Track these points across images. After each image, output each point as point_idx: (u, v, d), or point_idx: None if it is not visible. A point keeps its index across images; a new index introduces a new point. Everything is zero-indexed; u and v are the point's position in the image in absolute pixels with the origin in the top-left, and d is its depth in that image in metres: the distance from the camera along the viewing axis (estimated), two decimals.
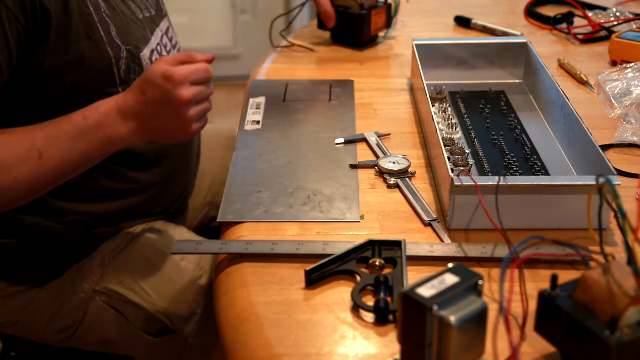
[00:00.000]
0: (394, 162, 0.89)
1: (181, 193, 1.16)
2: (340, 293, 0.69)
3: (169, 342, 1.02)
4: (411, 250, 0.73)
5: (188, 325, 1.01)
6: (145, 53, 1.01)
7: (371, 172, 0.90)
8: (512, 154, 0.92)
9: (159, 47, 1.05)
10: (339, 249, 0.72)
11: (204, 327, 1.01)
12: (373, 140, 0.97)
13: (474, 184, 0.74)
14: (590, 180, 0.75)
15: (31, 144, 0.84)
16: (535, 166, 0.89)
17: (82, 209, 1.01)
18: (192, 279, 1.02)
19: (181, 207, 1.17)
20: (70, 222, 1.01)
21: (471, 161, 0.90)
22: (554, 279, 0.57)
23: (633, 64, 1.14)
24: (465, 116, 1.03)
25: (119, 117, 0.86)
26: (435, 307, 0.52)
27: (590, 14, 1.39)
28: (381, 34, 1.35)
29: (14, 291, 1.03)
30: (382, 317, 0.65)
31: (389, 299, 0.66)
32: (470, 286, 0.55)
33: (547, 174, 0.88)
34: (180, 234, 1.09)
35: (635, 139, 0.95)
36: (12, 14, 0.83)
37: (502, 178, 0.74)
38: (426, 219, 0.79)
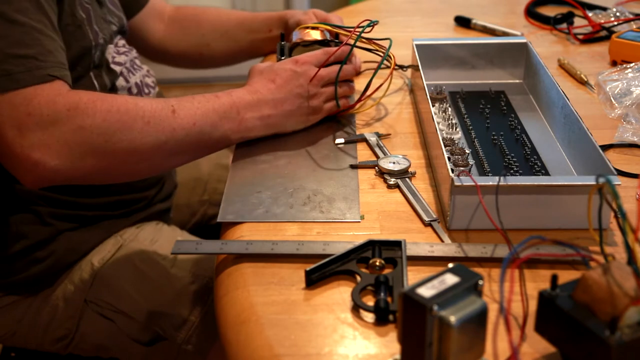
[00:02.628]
0: (394, 162, 0.89)
1: (163, 184, 1.15)
2: (340, 293, 0.69)
3: (163, 349, 1.02)
4: (411, 250, 0.73)
5: (181, 332, 1.00)
6: (110, 51, 1.04)
7: (371, 172, 0.90)
8: (512, 154, 0.92)
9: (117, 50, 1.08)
10: (339, 249, 0.72)
11: (198, 333, 1.01)
12: (373, 140, 0.97)
13: (474, 184, 0.74)
14: (590, 180, 0.75)
15: (164, 102, 0.85)
16: (535, 166, 0.89)
17: (64, 204, 1.01)
18: (183, 286, 1.01)
19: (166, 195, 1.16)
20: (54, 221, 1.00)
21: (471, 161, 0.90)
22: (554, 278, 0.57)
23: (633, 64, 1.14)
24: (465, 116, 1.03)
25: (251, 104, 0.89)
26: (435, 307, 0.52)
27: (590, 14, 1.39)
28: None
29: (8, 302, 1.03)
30: (382, 317, 0.65)
31: (389, 299, 0.66)
32: (470, 286, 0.55)
33: (547, 174, 0.88)
34: (173, 236, 1.09)
35: (635, 139, 0.95)
36: None
37: (502, 178, 0.74)
38: (426, 219, 0.79)
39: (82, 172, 0.82)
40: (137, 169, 0.87)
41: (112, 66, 1.04)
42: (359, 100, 1.01)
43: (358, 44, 0.99)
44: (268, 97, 0.91)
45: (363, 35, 0.99)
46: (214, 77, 3.06)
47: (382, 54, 1.01)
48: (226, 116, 0.87)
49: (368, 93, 1.00)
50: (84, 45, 0.97)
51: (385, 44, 1.02)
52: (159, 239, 1.06)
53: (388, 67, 1.05)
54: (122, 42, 1.11)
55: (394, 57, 1.03)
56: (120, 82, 1.05)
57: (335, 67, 0.96)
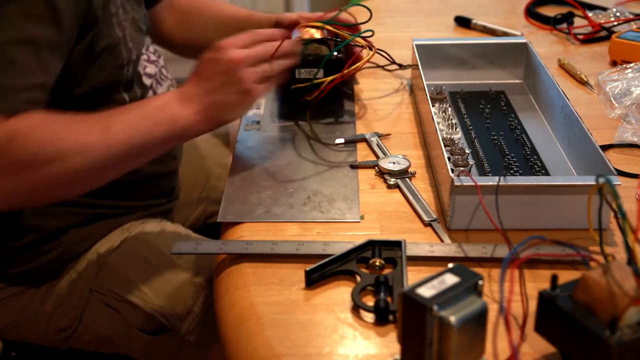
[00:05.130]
0: (394, 162, 0.89)
1: (172, 182, 1.16)
2: (340, 293, 0.69)
3: (166, 340, 1.02)
4: (411, 250, 0.73)
5: (184, 323, 1.00)
6: (142, 63, 1.04)
7: (371, 172, 0.90)
8: (512, 154, 0.92)
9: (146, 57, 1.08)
10: (339, 249, 0.72)
11: (201, 325, 1.01)
12: (373, 140, 0.97)
13: (474, 184, 0.74)
14: (590, 180, 0.75)
15: (97, 119, 0.85)
16: (535, 166, 0.89)
17: (76, 200, 1.01)
18: (189, 277, 1.02)
19: (172, 197, 1.17)
20: (64, 215, 1.01)
21: (471, 161, 0.90)
22: (554, 279, 0.57)
23: (633, 64, 1.14)
24: (465, 116, 1.03)
25: (180, 102, 0.87)
26: (435, 307, 0.52)
27: (590, 14, 1.39)
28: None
29: (11, 292, 1.03)
30: (382, 317, 0.65)
31: (389, 299, 0.66)
32: (470, 286, 0.55)
33: (547, 174, 0.88)
34: (176, 231, 1.09)
35: (635, 139, 0.95)
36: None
37: (502, 178, 0.74)
38: (426, 219, 0.79)
39: (13, 203, 0.85)
40: (76, 190, 0.88)
41: (144, 79, 1.05)
42: (342, 76, 0.99)
43: (344, 36, 1.01)
44: (194, 91, 0.88)
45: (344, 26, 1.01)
46: None
47: (367, 45, 1.01)
48: (159, 120, 0.86)
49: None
50: (117, 64, 0.98)
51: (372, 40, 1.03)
52: (164, 232, 1.07)
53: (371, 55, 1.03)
54: (152, 47, 1.12)
55: (369, 42, 1.03)
56: (150, 95, 1.06)
57: (261, 45, 0.91)
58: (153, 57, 1.10)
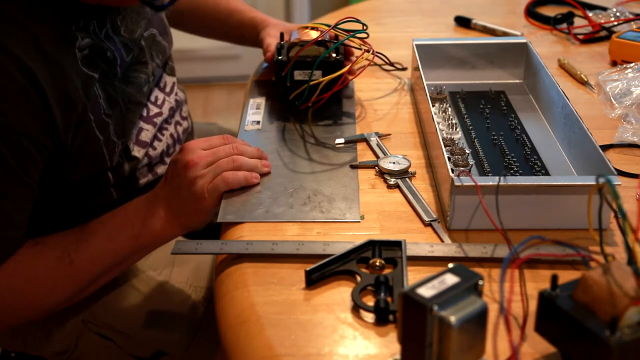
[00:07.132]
0: (394, 162, 0.89)
1: None
2: (340, 293, 0.69)
3: None
4: (411, 250, 0.73)
5: (180, 346, 1.00)
6: (132, 138, 0.97)
7: (371, 172, 0.90)
8: (512, 154, 0.92)
9: (151, 107, 1.03)
10: (339, 249, 0.72)
11: (198, 346, 1.01)
12: (373, 140, 0.97)
13: (474, 184, 0.74)
14: (590, 180, 0.75)
15: (62, 251, 0.84)
16: (535, 166, 0.89)
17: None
18: (181, 300, 1.01)
19: None
20: None
21: (471, 161, 0.90)
22: (554, 279, 0.57)
23: (633, 64, 1.14)
24: (465, 116, 1.03)
25: (147, 210, 0.86)
26: (436, 307, 0.52)
27: (590, 14, 1.39)
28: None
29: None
30: (382, 317, 0.65)
31: (389, 299, 0.66)
32: (470, 286, 0.55)
33: (547, 174, 0.88)
34: (168, 244, 1.08)
35: (635, 139, 0.95)
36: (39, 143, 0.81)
37: (502, 178, 0.74)
38: (426, 219, 0.79)
39: None
40: (51, 312, 0.90)
41: (134, 152, 0.98)
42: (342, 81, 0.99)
43: (345, 41, 1.01)
44: (161, 196, 0.86)
45: (344, 31, 1.01)
46: (214, 77, 3.06)
47: (366, 49, 1.01)
48: (123, 239, 0.85)
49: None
50: (98, 163, 0.93)
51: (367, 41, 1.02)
52: (154, 252, 1.05)
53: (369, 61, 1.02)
54: (166, 79, 1.06)
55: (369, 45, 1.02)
56: (143, 166, 1.00)
57: (219, 147, 0.87)
58: (162, 96, 1.04)
